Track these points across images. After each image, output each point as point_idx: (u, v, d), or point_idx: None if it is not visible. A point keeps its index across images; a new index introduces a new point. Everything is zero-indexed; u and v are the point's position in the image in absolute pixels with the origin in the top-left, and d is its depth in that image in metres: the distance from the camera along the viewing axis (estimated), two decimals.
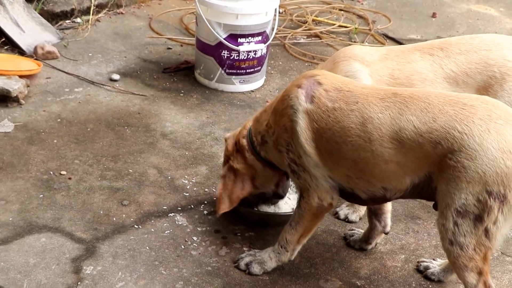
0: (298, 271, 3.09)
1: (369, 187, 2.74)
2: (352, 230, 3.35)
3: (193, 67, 4.95)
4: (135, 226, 3.29)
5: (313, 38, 5.82)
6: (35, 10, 5.24)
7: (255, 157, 3.09)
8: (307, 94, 2.77)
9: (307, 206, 2.88)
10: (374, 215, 3.18)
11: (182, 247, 3.17)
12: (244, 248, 3.21)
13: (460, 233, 2.52)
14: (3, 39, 4.90)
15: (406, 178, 2.63)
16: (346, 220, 3.47)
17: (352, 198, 2.87)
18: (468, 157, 2.44)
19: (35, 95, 4.40)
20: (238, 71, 4.71)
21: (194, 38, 5.16)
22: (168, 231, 3.27)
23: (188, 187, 3.63)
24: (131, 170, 3.73)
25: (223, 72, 4.70)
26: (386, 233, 3.25)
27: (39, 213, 3.31)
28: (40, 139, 3.92)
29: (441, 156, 2.51)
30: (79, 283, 2.90)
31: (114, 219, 3.33)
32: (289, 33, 5.78)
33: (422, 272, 3.14)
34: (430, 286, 3.08)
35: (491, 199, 2.44)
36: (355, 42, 5.75)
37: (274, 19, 4.85)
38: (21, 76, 4.37)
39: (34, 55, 4.83)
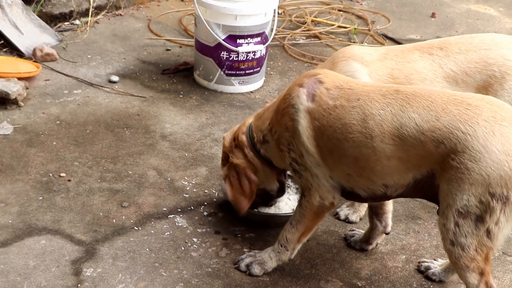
0: (298, 272, 3.08)
1: (369, 185, 2.73)
2: (353, 230, 3.34)
3: (192, 68, 4.95)
4: (135, 227, 3.28)
5: (312, 39, 5.81)
6: (34, 12, 5.23)
7: (254, 154, 3.08)
8: (309, 93, 2.76)
9: (309, 205, 2.87)
10: (375, 215, 3.17)
11: (182, 248, 3.16)
12: (245, 249, 3.20)
13: (461, 234, 2.51)
14: (2, 42, 4.89)
15: (408, 173, 2.62)
16: (347, 220, 3.47)
17: (352, 196, 2.86)
18: (472, 158, 2.43)
19: (34, 97, 4.39)
20: (237, 72, 4.70)
21: (193, 39, 5.16)
22: (168, 233, 3.26)
23: (188, 188, 3.62)
24: (130, 172, 3.72)
25: (222, 73, 4.69)
26: (387, 234, 3.24)
27: (38, 215, 3.30)
28: (39, 141, 3.92)
29: (443, 156, 2.49)
30: (79, 285, 2.88)
31: (114, 221, 3.32)
32: (288, 33, 5.77)
33: (423, 272, 3.13)
34: (431, 286, 3.07)
35: (494, 200, 2.43)
36: (354, 42, 5.75)
37: (273, 20, 4.84)
38: (20, 78, 4.36)
39: (33, 57, 4.82)
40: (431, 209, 3.57)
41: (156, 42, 5.44)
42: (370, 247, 3.24)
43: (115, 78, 4.73)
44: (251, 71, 4.75)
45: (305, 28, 5.93)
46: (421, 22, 6.45)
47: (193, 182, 3.68)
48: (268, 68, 5.13)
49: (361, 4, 6.75)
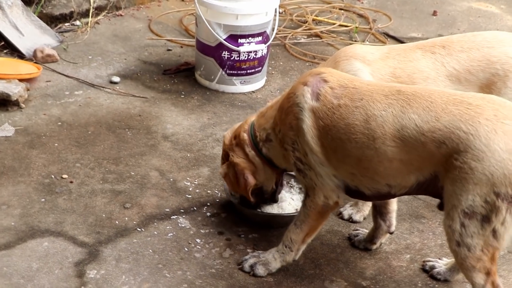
0: (302, 272, 3.07)
1: (373, 185, 2.72)
2: (357, 230, 3.33)
3: (193, 69, 4.93)
4: (138, 229, 3.27)
5: (313, 38, 5.80)
6: (34, 13, 5.22)
7: (256, 153, 3.07)
8: (313, 92, 2.75)
9: (313, 204, 2.86)
10: (379, 214, 3.16)
11: (186, 249, 3.15)
12: (248, 250, 3.18)
13: (467, 234, 2.49)
14: (2, 43, 4.88)
15: (410, 176, 2.61)
16: (350, 220, 3.45)
17: (357, 195, 2.84)
18: (475, 158, 2.41)
19: (35, 98, 4.38)
20: (238, 71, 4.69)
21: (194, 39, 5.15)
22: (171, 234, 3.25)
23: (190, 189, 3.61)
24: (132, 173, 3.71)
25: (223, 73, 4.68)
26: (391, 233, 3.23)
27: (41, 217, 3.29)
28: (41, 143, 3.90)
29: (446, 156, 2.48)
30: (82, 287, 2.87)
31: (117, 222, 3.31)
32: (290, 33, 5.76)
33: (428, 271, 3.11)
34: (436, 285, 3.06)
35: (499, 200, 2.41)
36: (355, 41, 5.73)
37: (274, 19, 4.83)
38: (21, 80, 4.35)
39: (33, 58, 4.81)
40: (435, 208, 3.52)
41: (157, 42, 5.42)
42: (374, 247, 3.23)
43: (116, 78, 4.71)
44: (253, 70, 4.73)
45: (306, 27, 5.92)
46: (423, 20, 6.43)
47: (196, 182, 3.67)
48: (270, 68, 5.12)
49: (362, 3, 6.74)
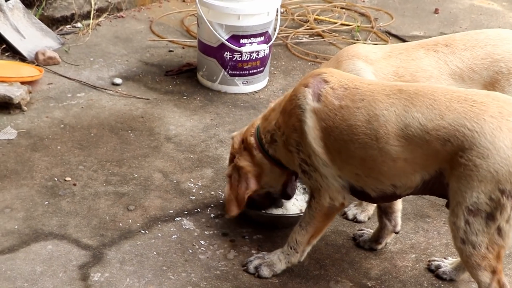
0: (307, 273, 3.06)
1: (378, 185, 2.71)
2: (361, 230, 3.31)
3: (195, 69, 4.92)
4: (142, 231, 3.26)
5: (315, 37, 5.79)
6: (35, 15, 5.21)
7: (263, 156, 3.06)
8: (314, 93, 2.74)
9: (318, 206, 2.85)
10: (385, 214, 3.15)
11: (190, 251, 3.14)
12: (253, 251, 3.17)
13: (472, 232, 2.48)
14: (4, 46, 4.87)
15: (415, 174, 2.60)
16: (355, 220, 3.44)
17: (362, 196, 2.83)
18: (480, 155, 2.40)
19: (37, 101, 4.38)
20: (241, 72, 4.68)
21: (195, 40, 5.14)
22: (175, 236, 3.24)
23: (194, 190, 3.60)
24: (136, 175, 3.70)
25: (226, 73, 4.67)
26: (397, 233, 3.21)
27: (44, 220, 3.28)
28: (43, 146, 3.90)
29: (451, 154, 2.47)
30: None
31: (121, 224, 3.30)
32: (291, 32, 5.75)
33: (434, 271, 3.10)
34: (442, 285, 3.04)
35: (504, 197, 2.40)
36: (357, 40, 5.72)
37: (276, 19, 4.82)
38: (22, 83, 4.34)
39: (35, 61, 4.80)
40: (439, 207, 3.54)
41: (158, 43, 5.41)
42: (380, 247, 3.22)
43: (118, 80, 4.71)
44: (255, 71, 4.72)
45: (307, 26, 5.91)
46: (424, 18, 6.41)
47: (199, 184, 3.66)
48: (272, 68, 5.11)
49: (364, 1, 6.72)
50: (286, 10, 6.21)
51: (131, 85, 4.71)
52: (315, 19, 6.07)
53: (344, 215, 3.46)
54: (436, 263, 3.11)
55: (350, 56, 3.27)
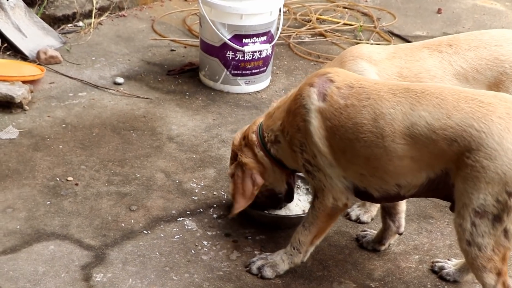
0: (311, 274, 3.04)
1: (382, 185, 2.69)
2: (365, 231, 3.30)
3: (197, 69, 4.91)
4: (144, 231, 3.25)
5: (317, 37, 5.77)
6: (37, 14, 5.20)
7: (264, 154, 3.04)
8: (319, 93, 2.73)
9: (322, 206, 2.83)
10: (388, 215, 3.13)
11: (193, 252, 3.13)
12: (256, 252, 3.16)
13: (478, 234, 2.47)
14: (5, 45, 4.86)
15: (421, 172, 2.58)
16: (358, 221, 3.43)
17: (365, 196, 2.82)
18: (487, 156, 2.39)
19: (39, 100, 4.36)
20: (243, 72, 4.66)
21: (197, 40, 5.12)
22: (178, 236, 3.22)
23: (196, 190, 3.59)
24: (138, 175, 3.68)
25: (228, 73, 4.65)
26: (400, 234, 3.20)
27: (46, 220, 3.27)
28: (45, 145, 3.88)
29: (458, 154, 2.46)
30: None
31: (123, 224, 3.28)
32: (294, 32, 5.73)
33: (437, 272, 3.09)
34: (446, 286, 3.03)
35: (511, 199, 2.39)
36: (360, 40, 5.70)
37: (279, 19, 4.80)
38: (24, 82, 4.33)
39: (37, 60, 4.79)
40: (443, 208, 3.52)
41: (160, 42, 5.40)
42: (383, 248, 3.20)
43: (120, 80, 4.69)
44: (257, 70, 4.71)
45: (310, 26, 5.89)
46: (427, 18, 6.40)
47: (202, 184, 3.65)
48: (274, 67, 5.09)
49: (366, 1, 6.71)
50: (288, 10, 6.19)
51: (133, 84, 4.70)
52: (317, 19, 6.05)
53: (347, 216, 3.44)
54: (440, 264, 3.10)
55: (353, 56, 3.26)
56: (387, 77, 3.18)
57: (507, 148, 2.37)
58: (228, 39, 4.52)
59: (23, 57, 4.82)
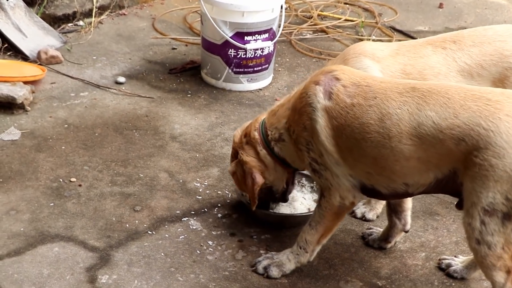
0: (317, 273, 3.03)
1: (390, 184, 2.68)
2: (370, 229, 3.28)
3: (199, 67, 4.88)
4: (149, 232, 3.23)
5: (319, 33, 5.74)
6: (37, 14, 5.17)
7: (267, 152, 3.02)
8: (325, 91, 2.70)
9: (329, 205, 2.82)
10: (394, 213, 3.11)
11: (198, 252, 3.11)
12: (261, 251, 3.14)
13: (488, 232, 2.45)
14: (6, 45, 4.83)
15: (429, 173, 2.57)
16: (363, 218, 3.41)
17: (373, 194, 2.80)
18: (496, 155, 2.37)
19: (40, 101, 4.34)
20: (245, 69, 4.64)
21: (199, 37, 5.10)
22: (183, 236, 3.20)
23: (200, 190, 3.57)
24: (141, 175, 3.66)
25: (230, 71, 4.63)
26: (406, 232, 3.18)
27: (50, 222, 3.25)
28: (48, 146, 3.86)
29: (465, 153, 2.43)
30: None
31: (127, 225, 3.26)
32: (295, 29, 5.70)
33: (444, 270, 3.07)
34: (453, 284, 3.01)
35: None
36: (362, 36, 5.67)
37: (281, 16, 4.78)
38: (25, 82, 4.31)
39: (37, 60, 4.77)
40: (449, 205, 3.50)
41: (161, 41, 5.37)
42: (389, 246, 3.18)
43: (121, 79, 4.67)
44: (259, 68, 4.68)
45: (311, 22, 5.86)
46: (429, 13, 6.37)
47: (206, 183, 3.63)
48: (276, 65, 5.07)
49: None
50: (289, 6, 6.16)
51: (135, 83, 4.67)
52: (318, 15, 6.02)
53: (353, 214, 3.42)
54: (447, 261, 3.08)
55: (356, 54, 3.24)
56: (390, 74, 3.16)
57: None
58: (230, 37, 4.50)
59: (24, 58, 4.79)
